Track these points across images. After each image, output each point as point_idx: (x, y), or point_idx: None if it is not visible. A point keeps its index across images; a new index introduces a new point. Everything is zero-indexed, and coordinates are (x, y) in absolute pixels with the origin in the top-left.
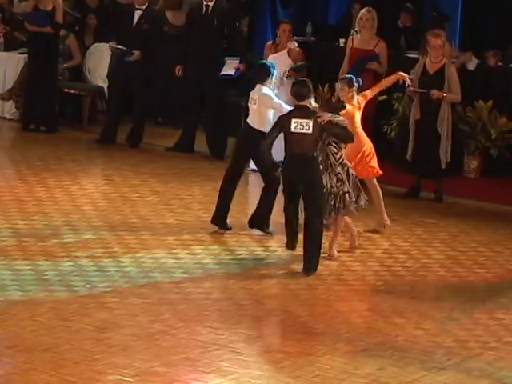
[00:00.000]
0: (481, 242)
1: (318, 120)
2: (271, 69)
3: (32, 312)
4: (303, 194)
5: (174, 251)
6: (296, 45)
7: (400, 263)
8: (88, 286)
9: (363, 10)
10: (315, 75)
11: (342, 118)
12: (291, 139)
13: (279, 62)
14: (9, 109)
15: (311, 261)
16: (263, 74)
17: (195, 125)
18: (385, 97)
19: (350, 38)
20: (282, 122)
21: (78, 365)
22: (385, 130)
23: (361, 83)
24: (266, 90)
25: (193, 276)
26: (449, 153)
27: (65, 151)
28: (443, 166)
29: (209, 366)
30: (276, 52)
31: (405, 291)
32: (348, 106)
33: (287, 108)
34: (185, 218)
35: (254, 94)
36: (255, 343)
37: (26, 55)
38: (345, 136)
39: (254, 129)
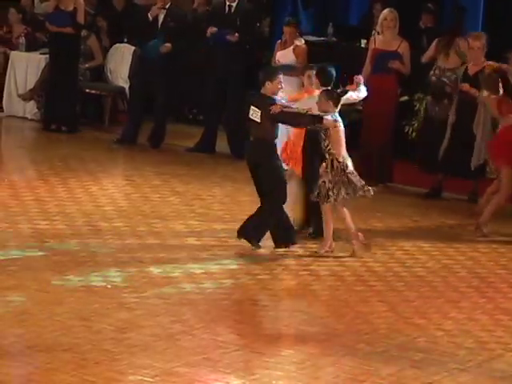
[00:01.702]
0: (502, 243)
1: (270, 111)
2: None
3: (52, 312)
4: (260, 178)
5: (194, 252)
6: (302, 42)
7: (421, 264)
8: (109, 286)
9: (386, 11)
10: (337, 76)
11: (298, 106)
12: (249, 125)
13: (285, 58)
14: (30, 109)
15: (246, 226)
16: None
17: (217, 125)
18: (406, 97)
19: (372, 38)
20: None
21: (98, 365)
22: (406, 130)
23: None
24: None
25: (214, 276)
26: (482, 155)
27: (86, 151)
28: (472, 168)
29: (229, 367)
30: (283, 49)
31: (426, 292)
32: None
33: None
34: (206, 218)
35: None
36: (276, 344)
37: (47, 55)
38: (295, 123)
39: None
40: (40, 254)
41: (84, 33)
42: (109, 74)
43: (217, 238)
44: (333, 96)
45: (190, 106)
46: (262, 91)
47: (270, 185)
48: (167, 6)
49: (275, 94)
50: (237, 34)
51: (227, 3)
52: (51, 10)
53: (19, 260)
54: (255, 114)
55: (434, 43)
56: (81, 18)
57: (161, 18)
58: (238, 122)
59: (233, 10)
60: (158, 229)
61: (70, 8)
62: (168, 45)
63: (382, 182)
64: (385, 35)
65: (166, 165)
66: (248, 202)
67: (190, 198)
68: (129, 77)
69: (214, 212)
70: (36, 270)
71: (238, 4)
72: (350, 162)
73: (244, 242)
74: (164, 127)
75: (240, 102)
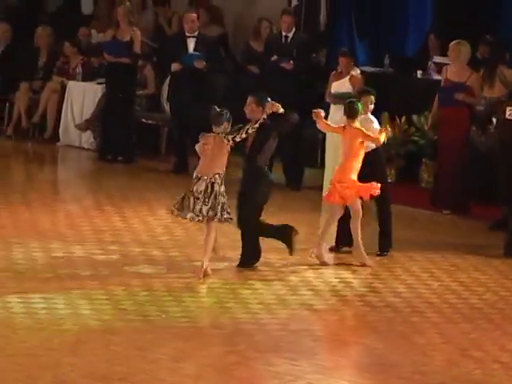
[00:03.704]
0: None
1: None
2: None
3: (108, 341)
4: None
5: (250, 282)
6: (358, 72)
7: (478, 296)
8: (164, 316)
9: (452, 43)
10: (393, 107)
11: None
12: None
13: (341, 88)
14: (86, 138)
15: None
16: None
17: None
18: None
19: (445, 67)
20: None
21: None
22: None
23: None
24: None
25: (269, 307)
26: None
27: (142, 181)
28: None
29: None
30: (339, 79)
31: (483, 324)
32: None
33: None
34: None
35: None
36: (331, 374)
37: (104, 85)
38: None
39: None
40: (94, 283)
41: (140, 62)
42: (165, 104)
43: (272, 269)
44: None
45: None
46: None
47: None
48: (196, 34)
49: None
50: (292, 62)
51: (283, 34)
52: (108, 39)
53: (74, 288)
54: None
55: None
56: (137, 48)
57: (191, 45)
58: (294, 152)
59: (289, 41)
60: (213, 259)
61: (127, 38)
62: (203, 62)
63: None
64: (453, 66)
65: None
66: (304, 233)
67: None
68: (167, 99)
69: (269, 242)
70: (90, 299)
71: (294, 34)
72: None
73: (299, 272)
74: None
75: (296, 132)
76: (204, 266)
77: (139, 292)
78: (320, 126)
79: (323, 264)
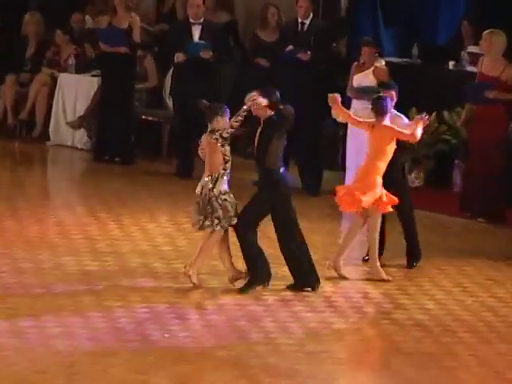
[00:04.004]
0: None
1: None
2: None
3: (104, 364)
4: None
5: (262, 297)
6: (383, 63)
7: None
8: (166, 335)
9: (484, 32)
10: (422, 102)
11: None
12: None
13: (363, 82)
14: (80, 138)
15: None
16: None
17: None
18: None
19: (481, 59)
20: None
21: None
22: None
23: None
24: None
25: (284, 326)
26: None
27: (141, 185)
28: None
29: None
30: (361, 72)
31: None
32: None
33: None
34: (273, 261)
35: None
36: None
37: (100, 78)
38: None
39: None
40: (88, 298)
41: (140, 53)
42: (168, 99)
43: (287, 283)
44: None
45: None
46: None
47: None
48: (201, 21)
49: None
50: (309, 53)
51: (299, 20)
52: (104, 26)
53: (66, 305)
54: None
55: None
56: (137, 36)
57: (196, 33)
58: (312, 154)
59: (306, 28)
60: (220, 272)
61: (125, 25)
62: (210, 52)
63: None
64: (486, 58)
65: None
66: (322, 243)
67: (259, 237)
68: (170, 94)
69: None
70: (84, 316)
71: (311, 21)
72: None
73: (322, 283)
74: None
75: (314, 131)
76: (191, 274)
77: (139, 309)
78: (338, 113)
79: (341, 277)
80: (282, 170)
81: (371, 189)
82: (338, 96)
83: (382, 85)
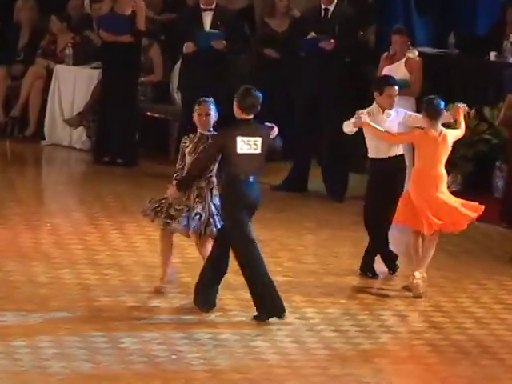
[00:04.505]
0: None
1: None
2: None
3: None
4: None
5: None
6: (416, 53)
7: None
8: (174, 356)
9: None
10: (459, 97)
11: None
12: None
13: (394, 74)
14: (78, 137)
15: None
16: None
17: (309, 157)
18: None
19: None
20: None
21: None
22: None
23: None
24: None
25: (305, 346)
26: None
27: (146, 189)
28: None
29: None
30: (392, 63)
31: None
32: None
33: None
34: (295, 273)
35: None
36: None
37: (100, 70)
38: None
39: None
40: (87, 315)
41: (145, 42)
42: (175, 94)
43: (309, 299)
44: None
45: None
46: None
47: None
48: (213, 6)
49: None
50: (333, 41)
51: (323, 6)
52: (105, 13)
53: (63, 323)
54: (247, 145)
55: None
56: (141, 24)
57: (207, 20)
58: (336, 155)
59: (330, 15)
60: (235, 286)
61: (128, 11)
62: (223, 42)
63: None
64: None
65: None
66: (347, 254)
67: (276, 248)
68: (178, 87)
69: (305, 266)
70: (82, 335)
71: (336, 7)
72: None
73: (340, 302)
74: None
75: (338, 130)
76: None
77: (143, 327)
78: (374, 134)
79: (418, 297)
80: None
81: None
82: (365, 115)
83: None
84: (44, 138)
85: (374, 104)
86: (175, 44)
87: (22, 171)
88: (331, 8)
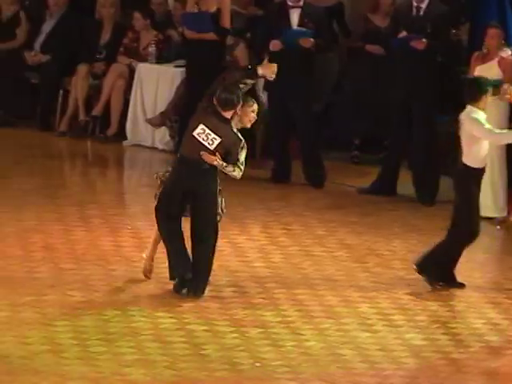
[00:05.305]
0: None
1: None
2: (484, 86)
3: None
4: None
5: (368, 322)
6: (509, 53)
7: None
8: (258, 364)
9: None
10: None
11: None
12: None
13: (486, 73)
14: (161, 137)
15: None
16: (473, 92)
17: (399, 160)
18: None
19: None
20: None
21: None
22: None
23: None
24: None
25: (392, 354)
26: None
27: (231, 192)
28: None
29: None
30: (484, 63)
31: None
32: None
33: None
34: (383, 279)
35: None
36: None
37: (184, 69)
38: None
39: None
40: (169, 321)
41: (230, 40)
42: (261, 94)
43: (397, 306)
44: None
45: (362, 134)
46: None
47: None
48: (301, 3)
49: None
50: (424, 40)
51: (414, 4)
52: (189, 10)
53: (144, 328)
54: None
55: None
56: (226, 22)
57: (294, 17)
58: (427, 157)
59: (422, 13)
60: (321, 291)
61: (213, 9)
62: (311, 40)
63: None
64: None
65: (331, 210)
66: None
67: (363, 253)
68: (264, 88)
69: (393, 272)
70: (162, 341)
71: (428, 5)
72: None
73: (430, 309)
74: (319, 161)
75: (430, 131)
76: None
77: (226, 333)
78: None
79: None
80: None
81: None
82: None
83: None
84: (126, 138)
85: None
86: (261, 41)
87: (103, 172)
88: (423, 6)
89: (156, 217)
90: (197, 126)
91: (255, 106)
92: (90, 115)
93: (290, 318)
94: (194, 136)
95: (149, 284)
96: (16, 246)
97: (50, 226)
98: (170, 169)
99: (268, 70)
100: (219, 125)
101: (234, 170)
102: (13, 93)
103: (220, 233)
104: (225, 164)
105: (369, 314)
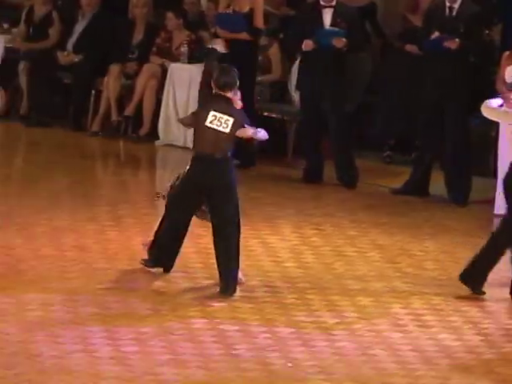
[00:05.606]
0: None
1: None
2: None
3: None
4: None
5: (400, 322)
6: None
7: None
8: (290, 364)
9: None
10: None
11: None
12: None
13: None
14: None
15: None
16: None
17: (431, 160)
18: None
19: None
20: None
21: None
22: None
23: None
24: None
25: (425, 356)
26: None
27: (263, 192)
28: None
29: None
30: None
31: None
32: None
33: None
34: (415, 280)
35: None
36: None
37: None
38: None
39: None
40: (202, 320)
41: (264, 41)
42: (294, 94)
43: (430, 306)
44: None
45: (396, 134)
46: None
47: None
48: (334, 3)
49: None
50: (457, 40)
51: (447, 4)
52: (222, 10)
53: (176, 328)
54: (218, 122)
55: None
56: (259, 22)
57: (327, 17)
58: (459, 157)
59: (454, 13)
60: (353, 292)
61: (246, 9)
62: (344, 40)
63: None
64: None
65: (363, 210)
66: (466, 260)
67: (396, 253)
68: (296, 87)
69: (425, 272)
70: (197, 341)
71: (461, 5)
72: None
73: (462, 310)
74: (351, 161)
75: (463, 131)
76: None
77: (258, 333)
78: None
79: None
80: None
81: None
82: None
83: None
84: (158, 138)
85: None
86: (294, 42)
87: (135, 172)
88: (456, 6)
89: (166, 205)
90: (207, 115)
91: None
92: (122, 115)
93: (321, 319)
94: (206, 127)
95: (181, 284)
96: (49, 246)
97: (83, 226)
98: (170, 184)
99: (219, 45)
100: (226, 105)
101: (260, 131)
102: (46, 93)
103: (251, 233)
104: (258, 129)
105: (401, 315)
